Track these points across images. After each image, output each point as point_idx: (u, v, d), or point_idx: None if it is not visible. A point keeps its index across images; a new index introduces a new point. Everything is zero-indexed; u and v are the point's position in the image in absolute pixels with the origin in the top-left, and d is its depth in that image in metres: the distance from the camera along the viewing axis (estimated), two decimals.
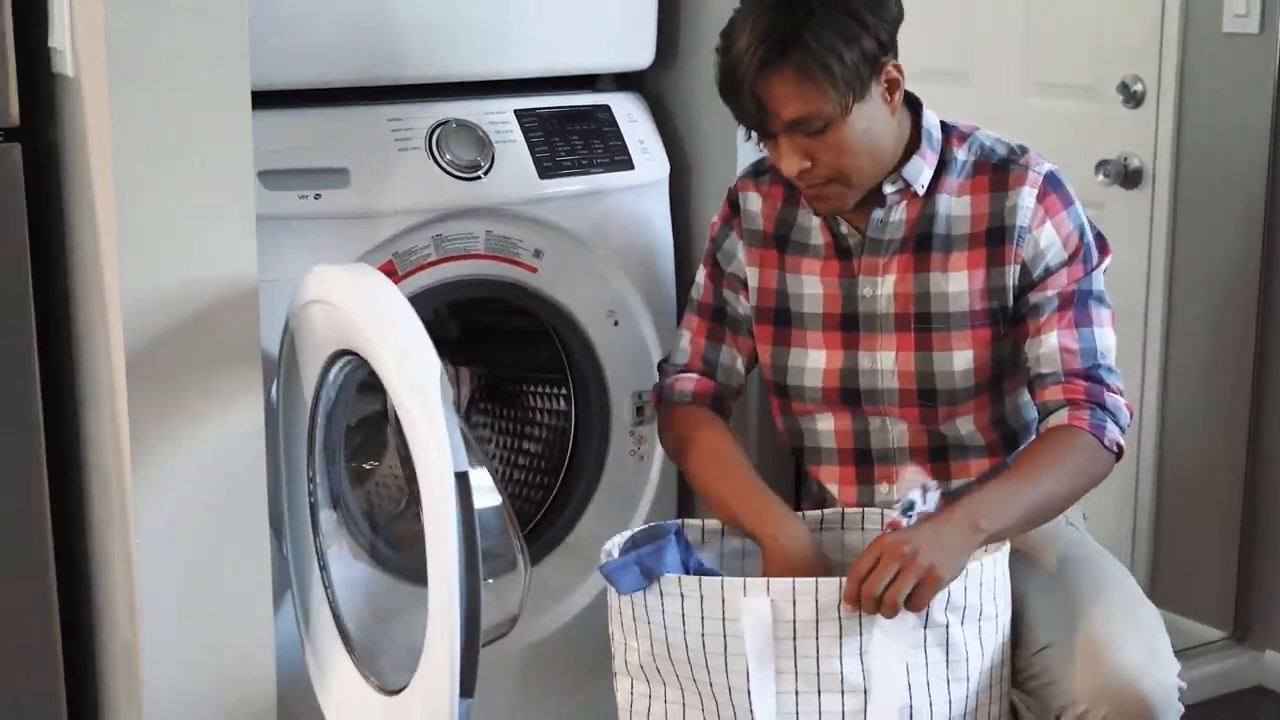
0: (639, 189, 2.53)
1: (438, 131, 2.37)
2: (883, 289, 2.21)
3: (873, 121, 2.09)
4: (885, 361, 2.22)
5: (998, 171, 2.17)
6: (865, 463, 2.28)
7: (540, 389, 2.67)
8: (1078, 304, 2.16)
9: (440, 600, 1.83)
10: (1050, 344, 2.15)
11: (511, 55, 2.44)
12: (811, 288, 2.25)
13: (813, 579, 1.96)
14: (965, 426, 2.23)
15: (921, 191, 2.18)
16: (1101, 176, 3.30)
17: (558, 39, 2.48)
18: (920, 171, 2.17)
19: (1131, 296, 3.33)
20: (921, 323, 2.20)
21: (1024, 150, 2.20)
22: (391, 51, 2.35)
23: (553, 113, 2.48)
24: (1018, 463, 2.13)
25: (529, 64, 2.47)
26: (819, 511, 2.23)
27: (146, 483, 2.04)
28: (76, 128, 2.07)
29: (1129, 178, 3.29)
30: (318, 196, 2.26)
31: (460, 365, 2.78)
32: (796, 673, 1.96)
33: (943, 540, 1.96)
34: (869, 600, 1.91)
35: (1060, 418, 2.12)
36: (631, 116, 2.55)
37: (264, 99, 2.24)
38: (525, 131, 2.44)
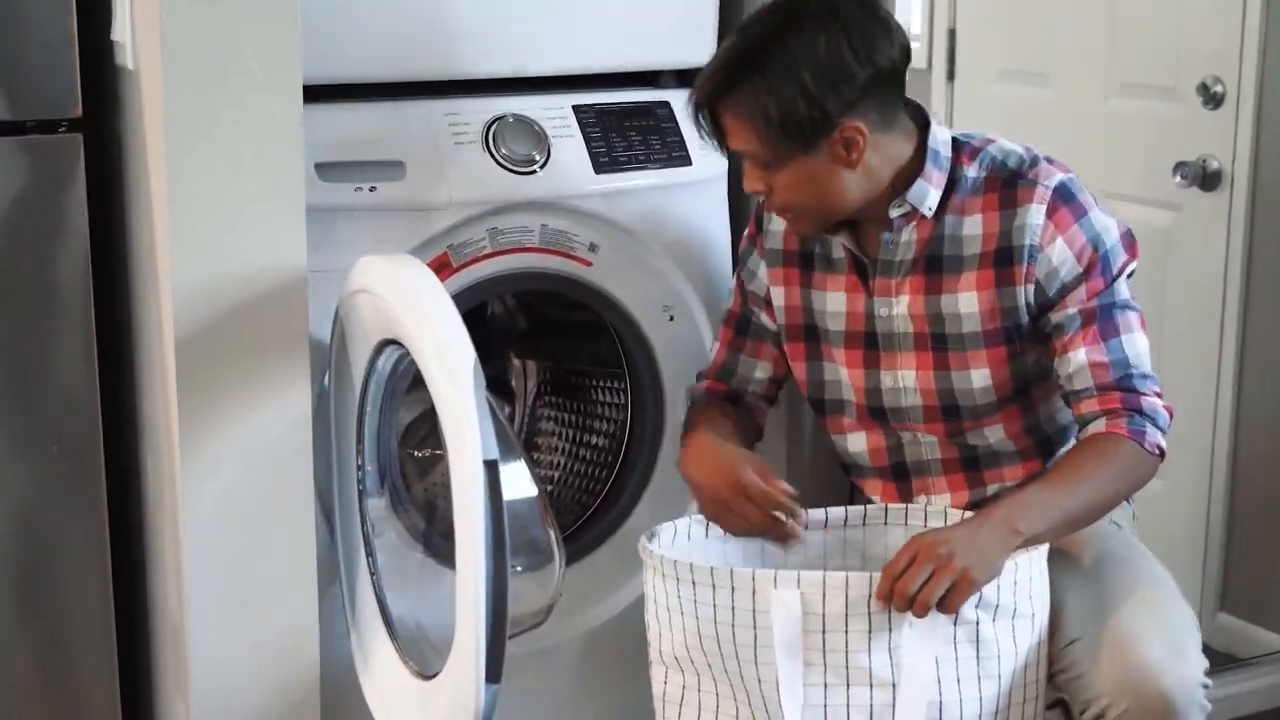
0: (696, 185, 2.54)
1: (494, 126, 2.40)
2: (898, 309, 2.21)
3: (818, 176, 2.10)
4: (906, 380, 2.23)
5: (1007, 188, 2.15)
6: (903, 477, 2.30)
7: (602, 383, 2.69)
8: (1101, 317, 2.13)
9: (467, 586, 1.85)
10: (1079, 361, 2.13)
11: (570, 52, 2.46)
12: (835, 304, 2.26)
13: (843, 573, 1.96)
14: (995, 435, 2.23)
15: (930, 213, 2.17)
16: (1179, 179, 3.26)
17: (617, 36, 2.49)
18: (926, 195, 2.16)
19: (1208, 301, 3.29)
20: (938, 342, 2.20)
21: (1035, 161, 2.16)
22: (449, 48, 2.38)
23: (611, 108, 2.50)
24: (1058, 468, 2.12)
25: (587, 61, 2.49)
26: (860, 507, 2.24)
27: (194, 468, 2.09)
28: (136, 120, 2.13)
29: (1207, 180, 3.25)
30: (373, 189, 2.30)
31: (528, 358, 2.82)
32: (825, 665, 1.97)
33: (979, 542, 1.96)
34: (901, 599, 1.92)
35: (1098, 426, 2.11)
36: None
37: (322, 93, 2.29)
38: (583, 127, 2.46)
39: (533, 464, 2.02)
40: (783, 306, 2.30)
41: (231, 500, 2.12)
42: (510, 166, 2.39)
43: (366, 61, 2.33)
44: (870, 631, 1.96)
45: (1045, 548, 2.06)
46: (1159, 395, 2.14)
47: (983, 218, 2.16)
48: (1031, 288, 2.14)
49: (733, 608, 1.98)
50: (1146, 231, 3.35)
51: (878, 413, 2.26)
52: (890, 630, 1.96)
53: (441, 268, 2.36)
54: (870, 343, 2.24)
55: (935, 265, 2.18)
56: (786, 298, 2.30)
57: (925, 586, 1.92)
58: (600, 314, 2.51)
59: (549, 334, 2.76)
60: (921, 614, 1.92)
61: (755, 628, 1.97)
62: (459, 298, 2.38)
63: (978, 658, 2.00)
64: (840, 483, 2.50)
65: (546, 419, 2.81)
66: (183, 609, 2.14)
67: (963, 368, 2.19)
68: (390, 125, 2.35)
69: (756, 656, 1.98)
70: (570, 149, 2.44)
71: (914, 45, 4.00)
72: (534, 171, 2.40)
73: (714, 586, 1.99)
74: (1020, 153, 2.18)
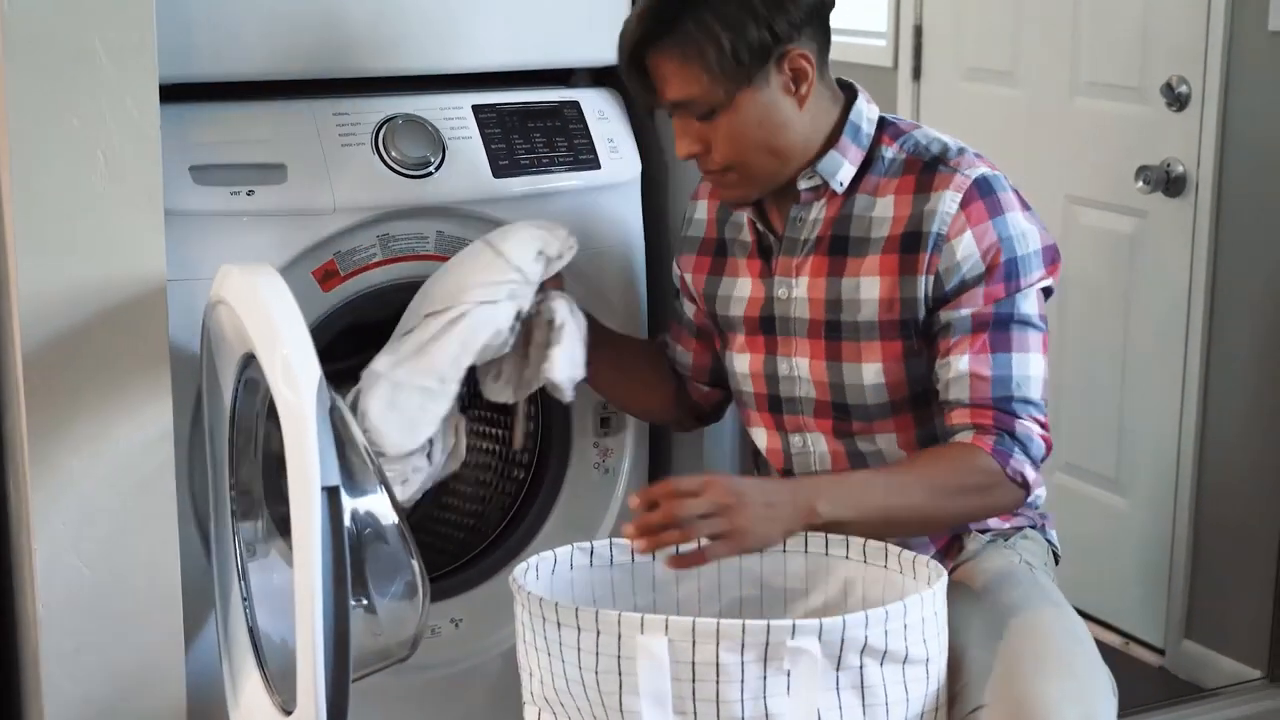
0: (605, 189, 2.42)
1: (384, 127, 2.28)
2: (797, 291, 2.09)
3: (768, 112, 1.99)
4: (800, 368, 2.11)
5: (925, 172, 2.03)
6: None
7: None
8: (995, 327, 2.00)
9: (304, 620, 1.74)
10: (960, 368, 2.00)
11: (469, 49, 2.35)
12: (741, 290, 2.15)
13: (715, 620, 1.84)
14: (887, 444, 2.09)
15: (841, 189, 2.05)
16: (1141, 183, 3.12)
17: (521, 33, 2.38)
18: (838, 167, 2.05)
19: (1172, 313, 3.15)
20: (832, 330, 2.07)
21: (962, 151, 2.04)
22: (341, 44, 2.27)
23: (514, 109, 2.38)
24: (899, 462, 2.01)
25: (492, 58, 2.38)
26: None
27: (46, 485, 1.99)
28: None
29: (1171, 185, 3.11)
30: (250, 193, 2.19)
31: None
32: (695, 715, 1.84)
33: (772, 509, 1.85)
34: (667, 518, 1.80)
35: (964, 438, 1.99)
36: (603, 113, 2.44)
37: (199, 91, 2.20)
38: (482, 127, 2.34)
39: (391, 490, 1.90)
40: (698, 294, 2.22)
41: (87, 521, 2.02)
42: (401, 169, 2.28)
43: (248, 59, 2.22)
44: (744, 681, 1.83)
45: (942, 585, 1.92)
46: (1041, 424, 2.00)
47: (895, 199, 2.04)
48: (931, 279, 2.01)
49: (597, 652, 1.86)
50: (1109, 238, 3.25)
51: (774, 404, 2.15)
52: (766, 678, 1.83)
53: (329, 276, 2.26)
54: (768, 327, 2.13)
55: (840, 246, 2.06)
56: (695, 285, 2.21)
57: (694, 522, 1.81)
58: None
59: None
60: (671, 540, 1.82)
61: (620, 674, 1.85)
62: (350, 306, 2.29)
63: (863, 705, 1.87)
64: None
65: (473, 433, 2.69)
66: (36, 635, 2.03)
67: (855, 359, 2.06)
68: (272, 126, 2.24)
69: (622, 704, 1.86)
70: (467, 151, 2.32)
71: (880, 43, 3.94)
72: (427, 174, 2.29)
73: (579, 629, 1.86)
74: (948, 143, 2.06)
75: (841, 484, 1.95)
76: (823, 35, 2.03)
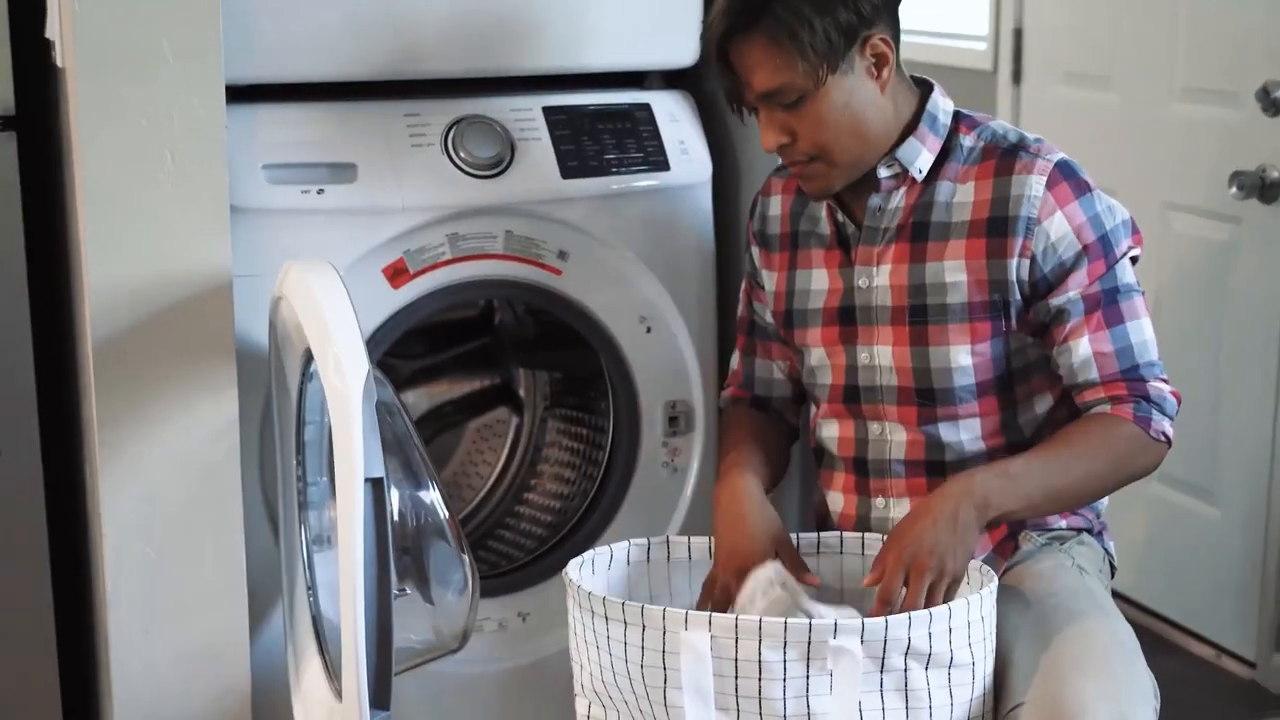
0: (675, 190, 2.43)
1: (454, 128, 2.32)
2: (878, 279, 2.10)
3: (854, 96, 2.01)
4: (882, 357, 2.11)
5: (1005, 157, 2.05)
6: (864, 473, 2.16)
7: (593, 394, 2.61)
8: (1105, 304, 2.03)
9: (347, 609, 1.78)
10: (1083, 351, 2.03)
11: (540, 51, 2.37)
12: (819, 282, 2.16)
13: (757, 618, 1.85)
14: (968, 432, 2.09)
15: (920, 177, 2.07)
16: (1235, 189, 3.07)
17: (593, 35, 2.40)
18: (917, 154, 2.07)
19: (1267, 317, 3.10)
20: (917, 315, 2.08)
21: (1039, 140, 2.07)
22: (411, 47, 2.30)
23: (584, 111, 2.41)
24: (1047, 441, 2.03)
25: (559, 60, 2.40)
26: (815, 535, 2.13)
27: (115, 473, 2.05)
28: (67, 119, 2.09)
29: (1266, 191, 3.05)
30: (320, 191, 2.23)
31: (538, 369, 2.74)
32: (739, 711, 1.86)
33: (951, 523, 1.91)
34: (887, 606, 1.89)
35: (1102, 409, 2.03)
36: (674, 115, 2.46)
37: (272, 93, 2.25)
38: (552, 129, 2.37)
39: (442, 488, 1.94)
40: (773, 292, 2.22)
41: (154, 505, 2.08)
42: (470, 170, 2.31)
43: (320, 62, 2.27)
44: (786, 679, 1.84)
45: (992, 589, 1.92)
46: (1165, 382, 2.05)
47: (975, 185, 2.06)
48: (1026, 263, 2.03)
49: (642, 647, 1.88)
50: (1203, 245, 3.20)
51: (852, 394, 2.15)
52: (809, 677, 1.84)
53: (398, 273, 2.30)
54: (847, 317, 2.14)
55: (921, 233, 2.08)
56: (774, 283, 2.22)
57: (907, 595, 1.89)
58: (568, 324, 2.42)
59: (561, 342, 2.67)
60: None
61: (665, 669, 1.87)
62: (419, 304, 2.33)
63: (907, 708, 1.87)
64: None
65: (557, 431, 2.73)
66: (105, 617, 2.10)
67: (942, 343, 2.07)
68: (344, 126, 2.28)
69: (666, 699, 1.88)
70: (536, 152, 2.35)
71: (979, 46, 3.91)
72: (496, 175, 2.32)
73: (625, 623, 1.89)
74: (1023, 132, 2.10)
75: (1003, 475, 1.97)
76: (896, 25, 2.05)
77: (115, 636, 2.09)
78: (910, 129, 2.07)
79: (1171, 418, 2.04)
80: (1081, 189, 2.03)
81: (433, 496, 1.93)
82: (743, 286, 2.31)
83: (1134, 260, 2.08)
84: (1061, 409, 2.11)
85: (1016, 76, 3.77)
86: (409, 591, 1.89)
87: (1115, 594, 2.20)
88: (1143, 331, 2.05)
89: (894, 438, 2.13)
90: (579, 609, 1.95)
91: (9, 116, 2.10)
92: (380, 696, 1.80)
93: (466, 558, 1.96)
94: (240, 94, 2.20)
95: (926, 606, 1.87)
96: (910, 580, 1.89)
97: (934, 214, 2.07)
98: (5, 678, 2.23)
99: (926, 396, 2.09)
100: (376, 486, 1.77)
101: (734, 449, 2.20)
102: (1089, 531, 2.16)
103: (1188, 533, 3.32)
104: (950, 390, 2.08)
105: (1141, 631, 2.14)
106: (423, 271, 2.31)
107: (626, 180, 2.40)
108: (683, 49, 2.44)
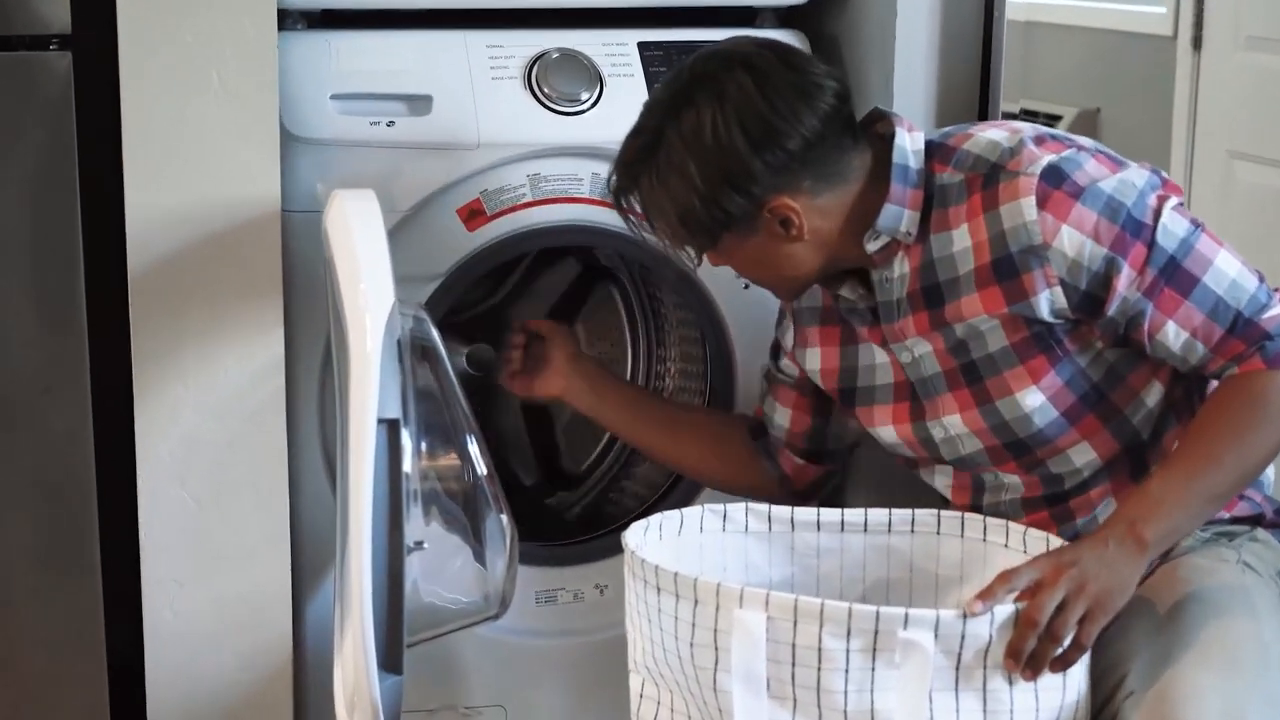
0: None
1: (539, 61, 2.17)
2: (919, 350, 1.90)
3: (763, 257, 1.85)
4: (954, 426, 1.91)
5: (988, 187, 1.81)
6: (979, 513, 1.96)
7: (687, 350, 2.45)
8: (1168, 279, 1.78)
9: (353, 560, 1.65)
10: (1176, 337, 1.80)
11: None
12: (880, 356, 1.96)
13: (819, 600, 1.67)
14: (1081, 458, 1.89)
15: (912, 239, 1.85)
16: None
17: None
18: (899, 219, 1.84)
19: None
20: (970, 374, 1.88)
21: (1018, 148, 1.81)
22: None
23: (685, 48, 2.23)
24: (1184, 441, 1.79)
25: None
26: (908, 511, 1.93)
27: (150, 412, 1.97)
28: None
29: None
30: (391, 124, 2.10)
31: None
32: (796, 701, 1.69)
33: (1109, 561, 1.69)
34: (1033, 628, 1.64)
35: (1231, 372, 1.79)
36: None
37: (349, 19, 2.15)
38: (646, 65, 2.21)
39: (483, 442, 1.80)
40: (818, 370, 2.02)
41: (193, 449, 1.99)
42: (554, 106, 2.16)
43: None
44: (848, 670, 1.66)
45: None
46: (1276, 302, 1.80)
47: (969, 226, 1.83)
48: (1058, 290, 1.80)
49: (694, 623, 1.72)
50: None
51: (948, 459, 1.97)
52: (874, 670, 1.66)
53: (474, 215, 2.16)
54: (911, 393, 1.95)
55: (935, 296, 1.87)
56: (824, 360, 2.01)
57: (1058, 617, 1.65)
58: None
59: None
60: (1047, 653, 1.65)
61: (716, 649, 1.71)
62: (498, 248, 2.19)
63: (984, 711, 1.68)
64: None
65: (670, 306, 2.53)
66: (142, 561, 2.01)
67: (1005, 393, 1.86)
68: (420, 56, 2.16)
69: (716, 682, 1.71)
70: (627, 89, 2.19)
71: (1159, 10, 3.64)
72: (581, 112, 2.17)
73: (677, 596, 1.73)
74: (1001, 140, 1.84)
75: (1151, 499, 1.75)
76: (822, 157, 1.82)
77: (149, 585, 2.01)
78: (880, 195, 1.84)
79: None
80: (1076, 190, 1.78)
81: (473, 450, 1.78)
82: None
83: (1175, 206, 1.82)
84: (1177, 389, 1.89)
85: (1197, 42, 3.52)
86: (425, 546, 1.75)
87: None
88: (1224, 275, 1.79)
89: (1009, 482, 1.95)
90: (632, 576, 1.80)
91: (65, 35, 1.99)
92: (391, 659, 1.66)
93: (504, 517, 1.81)
94: (313, 19, 2.09)
95: (1079, 643, 1.67)
96: (1065, 604, 1.66)
97: (940, 272, 1.86)
98: (51, 627, 2.13)
99: (1018, 448, 1.90)
100: (391, 429, 1.64)
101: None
102: (1261, 522, 1.92)
103: None
104: (1038, 433, 1.88)
105: None
106: (501, 213, 2.17)
107: None
108: None
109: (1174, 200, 1.81)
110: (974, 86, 2.29)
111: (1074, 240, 1.78)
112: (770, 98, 1.78)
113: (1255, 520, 1.93)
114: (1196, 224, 1.81)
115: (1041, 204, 1.78)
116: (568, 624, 2.30)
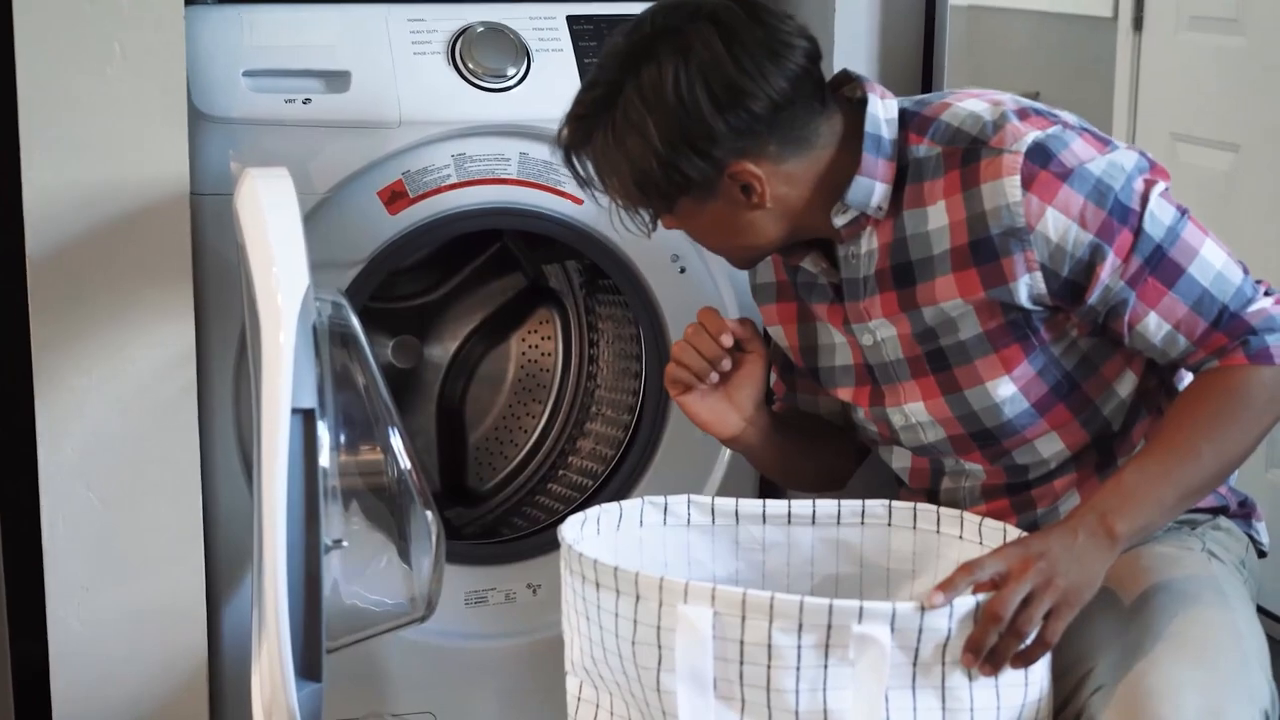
0: None
1: (463, 36, 2.08)
2: (881, 333, 1.81)
3: (721, 222, 1.75)
4: (917, 414, 1.83)
5: (968, 163, 1.72)
6: (936, 501, 1.90)
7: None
8: (1153, 267, 1.70)
9: (267, 559, 1.55)
10: (1158, 328, 1.71)
11: None
12: (838, 336, 1.87)
13: (768, 593, 1.58)
14: (1047, 446, 1.82)
15: (882, 214, 1.76)
16: None
17: None
18: (870, 193, 1.75)
19: None
20: (937, 361, 1.79)
21: (1001, 122, 1.72)
22: None
23: (613, 19, 2.16)
24: (1159, 431, 1.71)
25: None
26: (858, 502, 1.84)
27: (52, 405, 1.87)
28: None
29: None
30: (307, 101, 2.01)
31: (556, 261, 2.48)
32: (744, 702, 1.60)
33: (1078, 553, 1.61)
34: (994, 623, 1.56)
35: (1212, 366, 1.71)
36: None
37: None
38: (575, 39, 2.13)
39: (404, 433, 1.70)
40: (792, 347, 1.93)
41: (98, 445, 1.88)
42: (479, 82, 2.07)
43: None
44: (799, 668, 1.58)
45: None
46: (1267, 294, 1.72)
47: (946, 204, 1.74)
48: (1038, 275, 1.71)
49: (635, 620, 1.63)
50: None
51: (909, 444, 1.89)
52: (827, 668, 1.57)
53: (396, 197, 2.07)
54: (869, 376, 1.87)
55: (904, 275, 1.78)
56: (788, 337, 1.92)
57: (1023, 610, 1.56)
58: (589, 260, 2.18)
59: None
60: (1010, 647, 1.57)
61: (660, 647, 1.61)
62: (421, 232, 2.09)
63: (943, 709, 1.59)
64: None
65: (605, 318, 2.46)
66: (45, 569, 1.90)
67: (975, 382, 1.78)
68: (338, 30, 2.07)
69: (659, 683, 1.62)
70: (556, 64, 2.11)
71: None
72: (508, 88, 2.08)
73: (617, 591, 1.64)
74: (982, 113, 1.74)
75: (1124, 491, 1.67)
76: (789, 121, 1.72)
77: (53, 593, 1.90)
78: (852, 166, 1.75)
79: None
80: (1064, 171, 1.69)
81: (396, 443, 1.68)
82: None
83: (1163, 191, 1.74)
84: (1151, 378, 1.82)
85: (1138, 23, 3.47)
86: (345, 544, 1.65)
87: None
88: (1210, 266, 1.71)
89: (969, 468, 1.87)
90: (570, 573, 1.71)
91: None
92: (309, 665, 1.56)
93: (430, 514, 1.71)
94: None
95: (1043, 639, 1.59)
96: (1031, 596, 1.58)
97: (912, 250, 1.77)
98: None
99: (984, 437, 1.82)
100: (307, 419, 1.54)
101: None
102: (1225, 512, 1.86)
103: None
104: (1006, 424, 1.80)
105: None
106: (425, 196, 2.08)
107: None
108: None
109: (1161, 185, 1.72)
110: (916, 71, 2.24)
111: (1059, 224, 1.69)
112: (737, 55, 1.67)
113: (1219, 511, 1.87)
114: (1183, 211, 1.73)
115: (1026, 185, 1.68)
116: (499, 625, 2.22)
